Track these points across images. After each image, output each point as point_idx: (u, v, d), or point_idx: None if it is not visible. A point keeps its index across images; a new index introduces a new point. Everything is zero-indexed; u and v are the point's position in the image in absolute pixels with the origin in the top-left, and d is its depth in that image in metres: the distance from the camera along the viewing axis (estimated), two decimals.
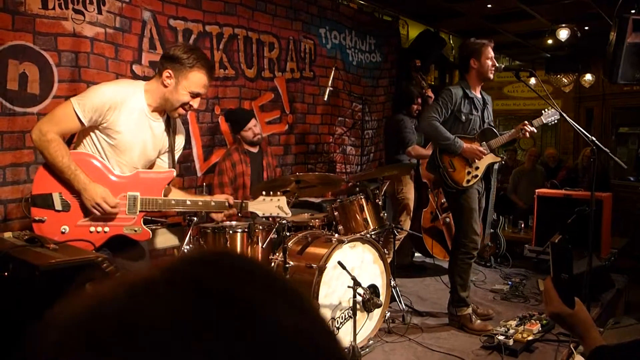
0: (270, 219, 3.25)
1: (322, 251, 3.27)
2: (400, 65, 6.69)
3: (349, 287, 3.15)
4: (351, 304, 3.15)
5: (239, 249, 3.31)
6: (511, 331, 3.48)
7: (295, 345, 0.38)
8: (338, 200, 3.98)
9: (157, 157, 2.68)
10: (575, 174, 7.53)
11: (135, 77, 3.75)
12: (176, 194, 2.72)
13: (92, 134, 2.45)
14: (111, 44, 3.62)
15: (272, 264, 3.38)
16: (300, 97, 5.29)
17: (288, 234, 3.51)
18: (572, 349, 3.14)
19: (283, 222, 3.25)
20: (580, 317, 1.36)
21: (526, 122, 3.84)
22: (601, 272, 4.60)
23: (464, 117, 3.80)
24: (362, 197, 3.88)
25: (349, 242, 3.34)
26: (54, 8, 3.27)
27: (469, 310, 3.84)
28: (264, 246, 3.33)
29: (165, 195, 2.60)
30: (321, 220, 3.91)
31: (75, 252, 1.96)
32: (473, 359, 3.31)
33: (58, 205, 2.37)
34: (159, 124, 2.58)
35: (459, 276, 3.85)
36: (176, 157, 2.73)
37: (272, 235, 3.38)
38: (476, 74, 3.82)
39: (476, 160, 3.79)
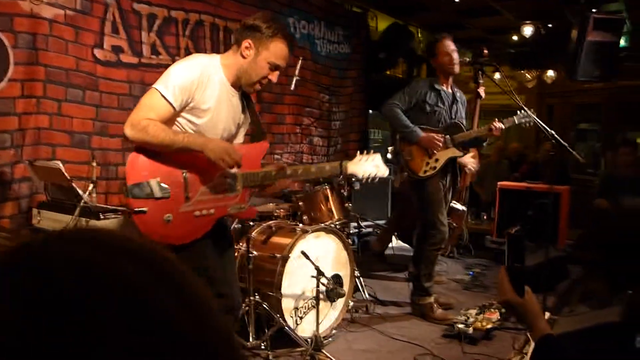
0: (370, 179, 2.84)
1: (286, 241, 3.27)
2: (369, 58, 6.71)
3: (312, 277, 3.16)
4: (314, 294, 3.16)
5: None
6: (471, 320, 3.56)
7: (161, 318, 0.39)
8: (303, 190, 3.98)
9: (237, 133, 2.56)
10: (537, 168, 7.70)
11: (96, 61, 3.65)
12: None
13: (176, 118, 2.29)
14: (71, 27, 3.51)
15: (236, 253, 3.36)
16: (267, 87, 5.20)
17: (252, 223, 3.49)
18: (529, 336, 3.23)
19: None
20: (528, 306, 1.41)
21: (496, 119, 3.81)
22: (558, 262, 4.73)
23: (428, 108, 3.82)
24: (327, 187, 3.88)
25: (313, 232, 3.34)
26: None
27: (431, 299, 3.91)
28: None
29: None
30: (286, 210, 3.90)
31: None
32: (434, 347, 3.37)
33: (158, 192, 2.20)
34: (236, 99, 2.46)
35: (425, 266, 3.90)
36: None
37: (236, 225, 3.36)
38: (439, 70, 3.89)
39: (435, 152, 3.80)
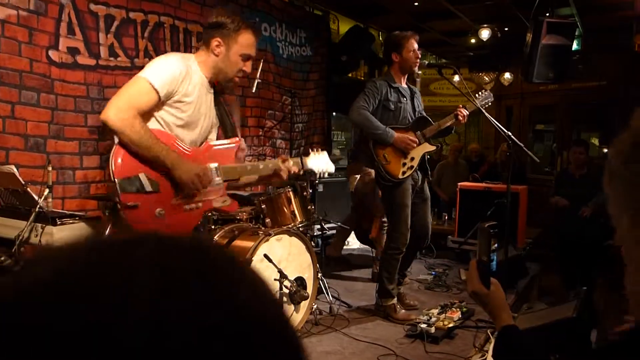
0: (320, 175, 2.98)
1: (249, 244, 3.24)
2: (330, 60, 6.74)
3: (275, 279, 3.15)
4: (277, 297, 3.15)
5: None
6: (433, 319, 3.61)
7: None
8: (266, 193, 3.96)
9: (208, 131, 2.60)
10: (496, 168, 7.89)
11: (51, 63, 3.56)
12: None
13: (157, 112, 2.29)
14: (25, 27, 3.41)
15: None
16: (228, 89, 5.21)
17: (214, 227, 3.46)
18: (489, 334, 3.30)
19: (209, 214, 3.19)
20: (494, 298, 1.45)
21: (460, 105, 3.87)
22: (517, 261, 4.86)
23: (392, 106, 3.83)
24: (290, 190, 3.88)
25: (275, 234, 3.33)
26: None
27: (394, 300, 3.94)
28: None
29: None
30: (248, 213, 3.88)
31: None
32: (397, 348, 3.40)
33: (147, 186, 2.17)
34: (211, 96, 2.51)
35: (386, 270, 3.93)
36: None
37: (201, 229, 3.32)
38: (399, 66, 3.88)
39: (410, 151, 3.81)
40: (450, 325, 3.59)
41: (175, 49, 4.55)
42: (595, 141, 8.94)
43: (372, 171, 4.60)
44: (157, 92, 2.20)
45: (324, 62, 6.68)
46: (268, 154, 5.80)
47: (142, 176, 2.17)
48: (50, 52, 3.58)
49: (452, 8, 6.27)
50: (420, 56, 3.91)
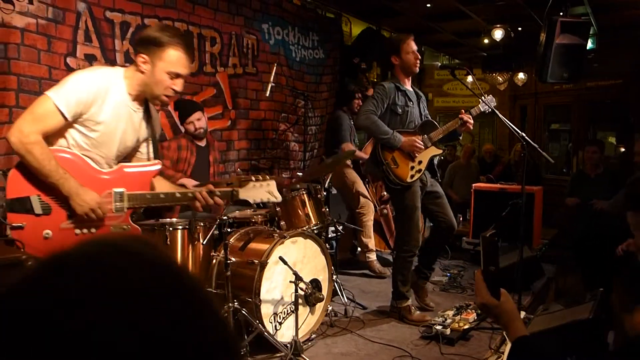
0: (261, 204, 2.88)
1: (264, 247, 3.28)
2: (343, 62, 6.76)
3: (290, 282, 3.17)
4: (293, 299, 3.18)
5: (179, 246, 3.26)
6: (448, 321, 3.61)
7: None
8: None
9: (136, 148, 2.53)
10: (510, 169, 7.85)
11: (69, 70, 3.62)
12: (162, 185, 2.53)
13: (66, 133, 2.24)
14: (43, 36, 3.48)
15: (214, 260, 3.36)
16: (243, 93, 5.26)
17: (229, 230, 3.49)
18: (505, 336, 3.29)
19: (224, 218, 3.22)
20: (505, 308, 1.43)
21: (463, 110, 3.88)
22: (532, 262, 4.83)
23: (400, 110, 3.85)
24: (304, 192, 3.90)
25: (290, 237, 3.36)
26: None
27: (409, 302, 3.95)
28: (204, 243, 3.30)
29: (150, 188, 2.44)
30: (263, 216, 3.91)
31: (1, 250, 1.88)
32: (412, 349, 3.41)
33: (38, 209, 2.15)
34: (139, 114, 2.41)
35: (400, 273, 3.94)
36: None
37: (214, 232, 3.36)
38: (400, 69, 3.89)
39: (417, 155, 3.83)
40: (466, 326, 3.58)
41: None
42: (612, 140, 8.85)
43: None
44: (63, 115, 2.15)
45: (336, 64, 6.70)
46: (282, 157, 5.84)
47: (33, 198, 2.15)
48: (68, 59, 3.65)
49: (465, 9, 6.25)
50: (419, 57, 3.92)
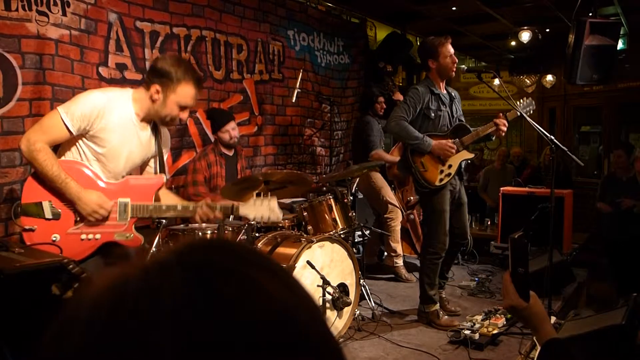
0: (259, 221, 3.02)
1: (291, 251, 3.30)
2: (368, 67, 6.77)
3: (318, 286, 3.19)
4: (321, 303, 3.19)
5: None
6: (477, 325, 3.58)
7: (287, 316, 0.44)
8: (307, 200, 4.02)
9: (146, 163, 2.69)
10: (539, 172, 7.73)
11: (101, 79, 3.72)
12: (167, 198, 2.68)
13: (77, 143, 2.42)
14: (76, 46, 3.59)
15: None
16: (269, 99, 5.32)
17: (257, 234, 3.53)
18: (535, 341, 3.25)
19: (252, 222, 3.26)
20: (534, 311, 1.41)
21: (500, 114, 3.79)
22: (563, 266, 4.75)
23: (432, 114, 3.82)
24: (331, 197, 3.92)
25: (318, 241, 3.38)
26: (17, 9, 3.22)
27: (437, 306, 3.93)
28: None
29: (156, 199, 2.57)
30: (290, 220, 3.94)
31: (41, 255, 1.95)
32: (440, 354, 3.39)
33: (48, 213, 2.35)
34: (146, 132, 2.56)
35: (427, 276, 3.92)
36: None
37: (242, 236, 3.40)
38: (436, 72, 3.85)
39: (448, 159, 3.79)
40: (495, 331, 3.55)
41: (216, 61, 4.68)
42: None
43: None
44: (68, 129, 2.32)
45: (361, 69, 6.72)
46: (308, 161, 5.87)
47: (45, 203, 2.35)
48: (100, 69, 3.75)
49: (491, 11, 6.21)
50: (457, 60, 3.89)
